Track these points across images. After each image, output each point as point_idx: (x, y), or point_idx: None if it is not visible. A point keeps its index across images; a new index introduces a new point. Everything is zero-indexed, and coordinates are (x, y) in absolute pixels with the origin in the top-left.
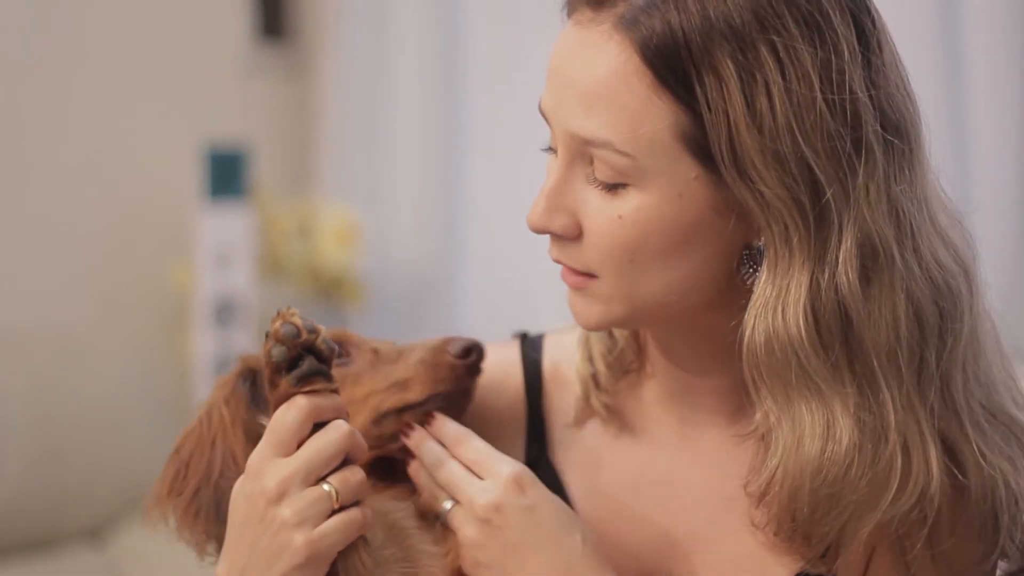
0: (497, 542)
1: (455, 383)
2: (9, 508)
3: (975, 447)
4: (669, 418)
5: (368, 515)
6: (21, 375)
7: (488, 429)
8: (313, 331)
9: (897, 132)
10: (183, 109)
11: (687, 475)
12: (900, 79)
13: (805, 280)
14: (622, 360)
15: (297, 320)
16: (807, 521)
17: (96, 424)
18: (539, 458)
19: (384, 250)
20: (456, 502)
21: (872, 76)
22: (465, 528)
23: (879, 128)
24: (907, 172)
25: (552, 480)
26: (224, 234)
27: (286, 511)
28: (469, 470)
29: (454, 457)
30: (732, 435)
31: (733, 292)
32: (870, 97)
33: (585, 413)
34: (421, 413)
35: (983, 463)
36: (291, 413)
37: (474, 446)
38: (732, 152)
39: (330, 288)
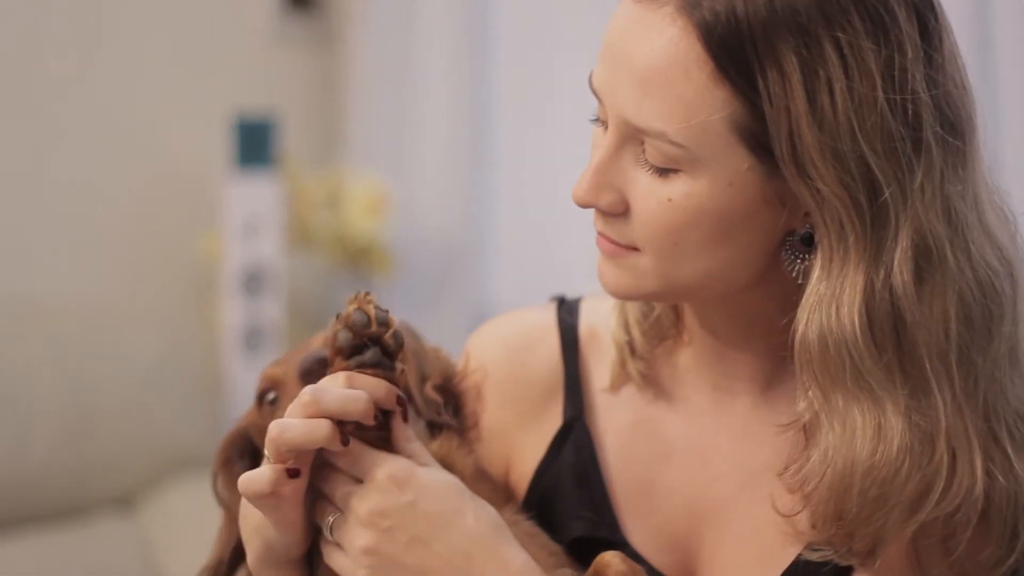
0: (390, 545)
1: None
2: (39, 477)
3: (1007, 451)
4: (703, 385)
5: None
6: (50, 345)
7: (526, 392)
8: (384, 324)
9: (953, 130)
10: (212, 78)
11: (719, 443)
12: (958, 73)
13: (860, 280)
14: (658, 327)
15: (371, 310)
16: (853, 521)
17: (125, 394)
18: (575, 421)
19: (412, 219)
20: (340, 512)
21: (932, 73)
22: (356, 540)
23: (938, 128)
24: (960, 171)
25: (587, 444)
26: (252, 203)
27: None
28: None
29: (330, 463)
30: (772, 423)
31: (770, 274)
32: (931, 96)
33: (620, 379)
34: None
35: (1010, 469)
36: (293, 406)
37: (346, 449)
38: (792, 148)
39: (358, 257)
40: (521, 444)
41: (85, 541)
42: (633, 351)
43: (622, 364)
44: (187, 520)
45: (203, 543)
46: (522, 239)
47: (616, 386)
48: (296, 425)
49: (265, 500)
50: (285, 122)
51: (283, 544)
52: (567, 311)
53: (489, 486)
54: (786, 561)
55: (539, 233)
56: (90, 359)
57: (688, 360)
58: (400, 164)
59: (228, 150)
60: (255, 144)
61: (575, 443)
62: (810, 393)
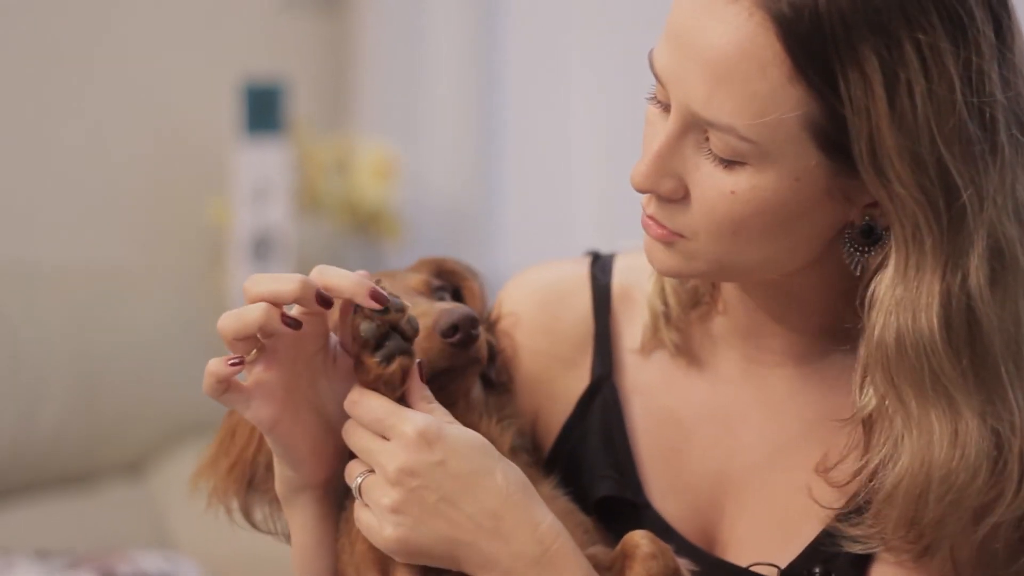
0: (417, 505)
1: (448, 361)
2: (48, 443)
3: None
4: (735, 355)
5: None
6: (60, 311)
7: (556, 346)
8: (400, 309)
9: (1023, 130)
10: (221, 44)
11: (748, 413)
12: None
13: (937, 284)
14: (694, 293)
15: (387, 297)
16: (927, 525)
17: (135, 359)
18: (604, 379)
19: (421, 185)
20: (370, 472)
21: (1006, 73)
22: (382, 498)
23: (1013, 129)
24: None
25: (615, 404)
26: (261, 169)
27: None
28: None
29: (357, 422)
30: (824, 425)
31: (820, 260)
32: (1006, 98)
33: (652, 343)
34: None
35: None
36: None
37: (370, 406)
38: (871, 151)
39: (367, 223)
40: (548, 399)
41: (94, 507)
42: (669, 320)
43: (655, 331)
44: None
45: (212, 509)
46: (531, 204)
47: (647, 350)
48: (231, 313)
49: (230, 398)
50: (294, 88)
51: (290, 460)
52: (600, 268)
53: (525, 461)
54: (809, 536)
55: (548, 198)
56: (99, 326)
57: (721, 328)
58: (409, 129)
59: (237, 116)
60: (264, 110)
61: (603, 402)
62: (882, 393)
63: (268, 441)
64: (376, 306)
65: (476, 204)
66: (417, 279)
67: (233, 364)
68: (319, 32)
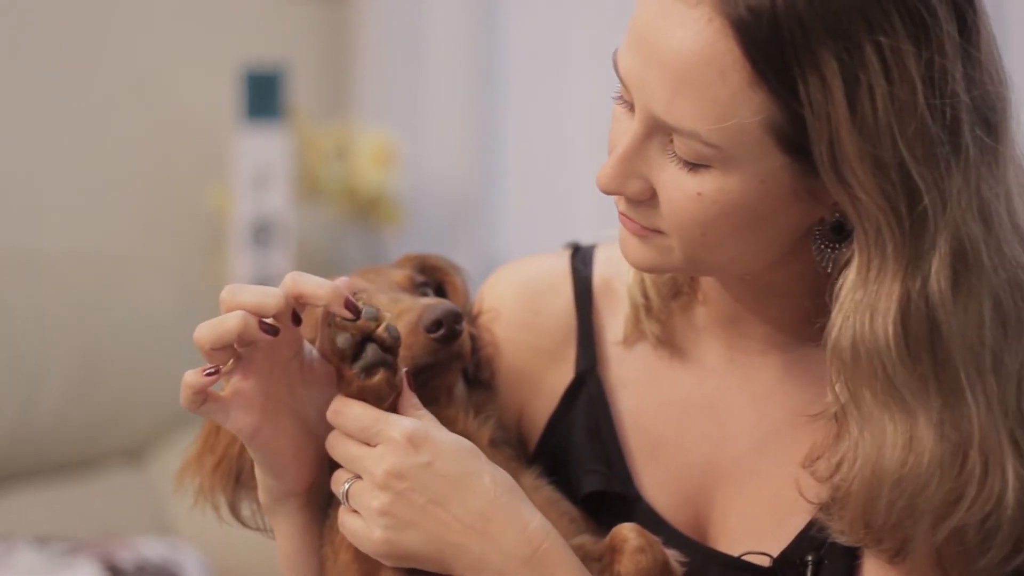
0: (406, 507)
1: (431, 356)
2: (49, 429)
3: None
4: (718, 344)
5: None
6: (60, 298)
7: (538, 340)
8: (375, 319)
9: (989, 129)
10: (221, 30)
11: (733, 402)
12: (995, 66)
13: (897, 289)
14: (673, 283)
15: (360, 306)
16: (882, 527)
17: (135, 345)
18: (588, 373)
19: (421, 171)
20: (357, 478)
21: (971, 71)
22: (371, 502)
23: (976, 129)
24: (993, 168)
25: (600, 397)
26: (261, 155)
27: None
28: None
29: (341, 431)
30: (800, 415)
31: (793, 254)
32: (970, 97)
33: (634, 336)
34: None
35: None
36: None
37: (355, 414)
38: (832, 155)
39: (367, 209)
40: (532, 394)
41: (95, 493)
42: (649, 311)
43: (636, 322)
44: None
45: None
46: (531, 190)
47: (630, 342)
48: (208, 323)
49: (209, 409)
50: (294, 74)
51: (271, 468)
52: (581, 260)
53: (506, 454)
54: (800, 524)
55: (548, 184)
56: (99, 312)
57: (703, 318)
58: (409, 116)
59: (237, 102)
60: (264, 96)
61: (588, 396)
62: (840, 396)
63: (249, 450)
64: (348, 315)
65: (476, 191)
66: (401, 275)
67: (209, 374)
68: (319, 18)
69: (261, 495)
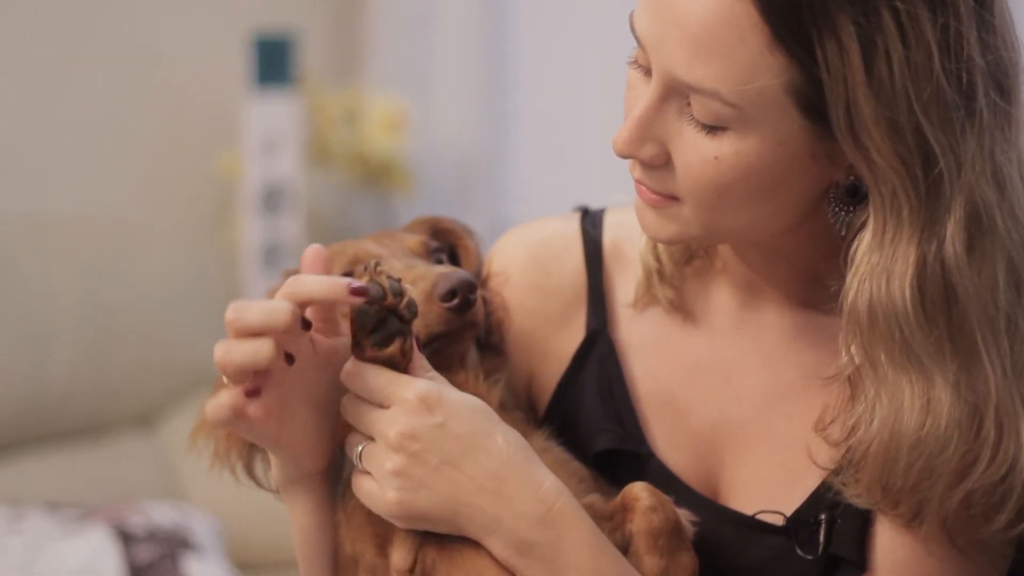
0: (420, 468)
1: (445, 325)
2: (59, 395)
3: None
4: (731, 305)
5: None
6: (71, 263)
7: (548, 302)
8: (399, 294)
9: (1003, 93)
10: None
11: (744, 362)
12: (1008, 31)
13: (913, 252)
14: (688, 248)
15: (384, 281)
16: (900, 490)
17: (145, 311)
18: (599, 333)
19: (431, 137)
20: (370, 440)
21: (985, 36)
22: (384, 463)
23: (991, 94)
24: (1007, 132)
25: (611, 357)
26: (272, 121)
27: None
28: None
29: (354, 393)
30: (817, 377)
31: (808, 218)
32: (985, 62)
33: (646, 299)
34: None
35: None
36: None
37: (369, 377)
38: (848, 119)
39: (377, 175)
40: (542, 357)
41: (105, 459)
42: (662, 276)
43: (648, 287)
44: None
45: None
46: (541, 155)
47: (641, 306)
48: (237, 346)
49: (235, 424)
50: (304, 40)
51: (290, 459)
52: (591, 223)
53: (516, 417)
54: (812, 484)
55: (557, 149)
56: (110, 278)
57: (717, 282)
58: (419, 81)
59: (247, 68)
60: (274, 62)
61: (599, 356)
62: (857, 359)
63: (269, 451)
64: (358, 301)
65: (486, 156)
66: (414, 240)
67: (251, 393)
68: None
69: (276, 477)
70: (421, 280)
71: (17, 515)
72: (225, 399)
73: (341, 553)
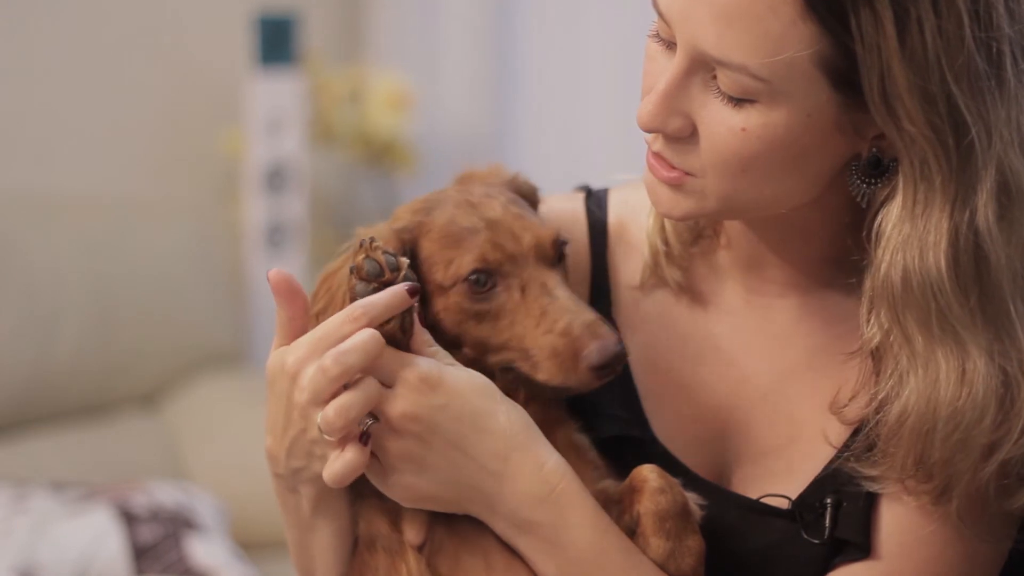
0: (422, 450)
1: (578, 386)
2: (64, 374)
3: None
4: (737, 287)
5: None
6: (74, 243)
7: None
8: (396, 269)
9: None
10: None
11: (751, 344)
12: None
13: (946, 222)
14: (696, 228)
15: (380, 256)
16: (935, 464)
17: (149, 290)
18: (602, 316)
19: (435, 116)
20: (375, 420)
21: (1012, 5)
22: (387, 444)
23: (1019, 62)
24: None
25: None
26: (275, 100)
27: (303, 394)
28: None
29: (360, 370)
30: (828, 357)
31: (826, 192)
32: (1013, 31)
33: (652, 281)
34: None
35: None
36: (340, 318)
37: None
38: (882, 88)
39: (381, 154)
40: None
41: (109, 439)
42: (670, 258)
43: (655, 268)
44: (210, 416)
45: (226, 439)
46: (545, 134)
47: (647, 287)
48: (351, 397)
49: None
50: (307, 19)
51: None
52: (595, 203)
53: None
54: (818, 466)
55: (562, 128)
56: (114, 256)
57: (724, 262)
58: (423, 60)
59: (251, 47)
60: (277, 41)
61: None
62: (887, 328)
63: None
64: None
65: (490, 135)
66: (547, 234)
67: (365, 440)
68: None
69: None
70: (568, 332)
71: (21, 495)
72: (351, 457)
73: (358, 536)
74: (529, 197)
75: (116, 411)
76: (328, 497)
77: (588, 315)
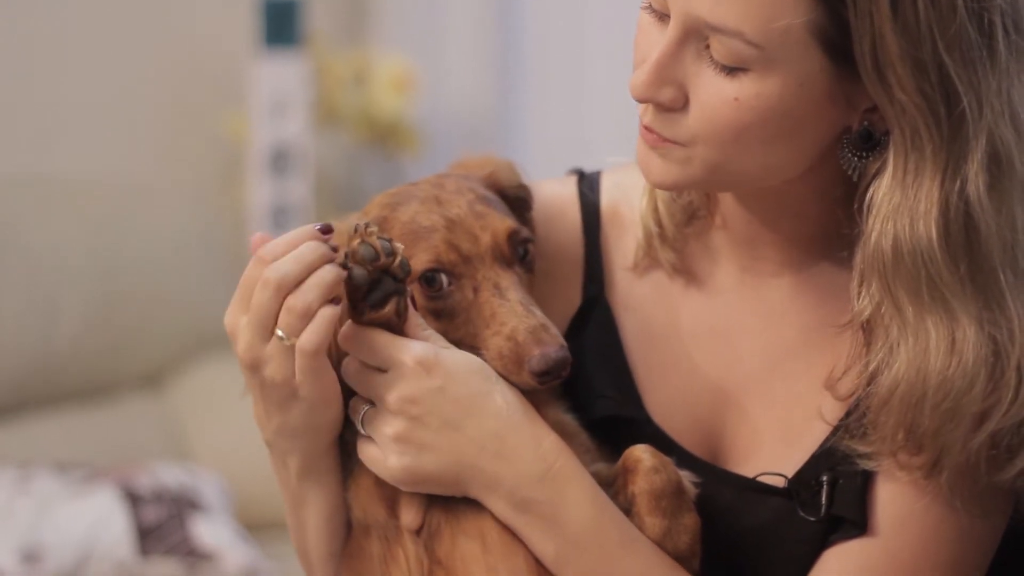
0: (420, 432)
1: (524, 388)
2: (67, 355)
3: None
4: (731, 266)
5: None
6: (77, 225)
7: (545, 267)
8: (391, 253)
9: (1020, 32)
10: None
11: (745, 323)
12: None
13: (936, 191)
14: (689, 208)
15: (376, 242)
16: (924, 433)
17: (153, 272)
18: (596, 298)
19: (439, 98)
20: (372, 405)
21: None
22: (385, 429)
23: (1011, 33)
24: (1023, 74)
25: (609, 322)
26: (279, 82)
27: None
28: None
29: (355, 357)
30: (821, 333)
31: (816, 165)
32: (1005, 2)
33: (646, 263)
34: None
35: None
36: (265, 294)
37: (367, 340)
38: (874, 56)
39: (385, 136)
40: None
41: (113, 420)
42: (664, 239)
43: (648, 249)
44: (213, 398)
45: (229, 421)
46: (549, 117)
47: (641, 269)
48: (301, 371)
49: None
50: (311, 1)
51: (317, 406)
52: (588, 186)
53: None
54: (814, 444)
55: (565, 111)
56: (117, 239)
57: (718, 241)
58: (427, 42)
59: (255, 29)
60: (282, 23)
61: (597, 321)
62: (878, 300)
63: (310, 412)
64: (324, 238)
65: (494, 117)
66: (504, 232)
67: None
68: None
69: (296, 465)
70: (514, 336)
71: (25, 476)
72: (328, 313)
73: (352, 523)
74: (511, 192)
75: (119, 392)
76: (314, 465)
77: (533, 320)
